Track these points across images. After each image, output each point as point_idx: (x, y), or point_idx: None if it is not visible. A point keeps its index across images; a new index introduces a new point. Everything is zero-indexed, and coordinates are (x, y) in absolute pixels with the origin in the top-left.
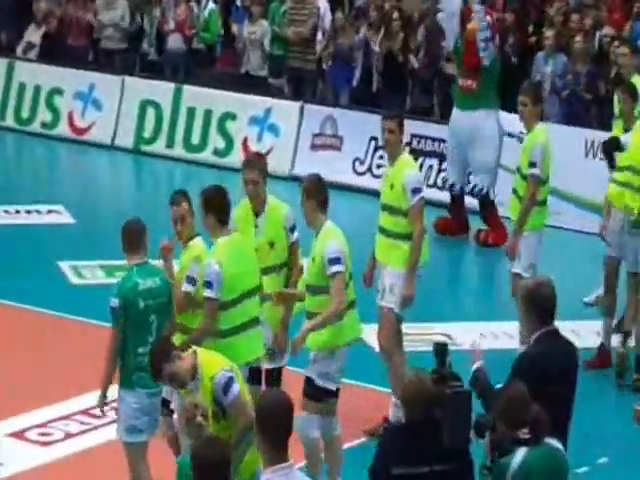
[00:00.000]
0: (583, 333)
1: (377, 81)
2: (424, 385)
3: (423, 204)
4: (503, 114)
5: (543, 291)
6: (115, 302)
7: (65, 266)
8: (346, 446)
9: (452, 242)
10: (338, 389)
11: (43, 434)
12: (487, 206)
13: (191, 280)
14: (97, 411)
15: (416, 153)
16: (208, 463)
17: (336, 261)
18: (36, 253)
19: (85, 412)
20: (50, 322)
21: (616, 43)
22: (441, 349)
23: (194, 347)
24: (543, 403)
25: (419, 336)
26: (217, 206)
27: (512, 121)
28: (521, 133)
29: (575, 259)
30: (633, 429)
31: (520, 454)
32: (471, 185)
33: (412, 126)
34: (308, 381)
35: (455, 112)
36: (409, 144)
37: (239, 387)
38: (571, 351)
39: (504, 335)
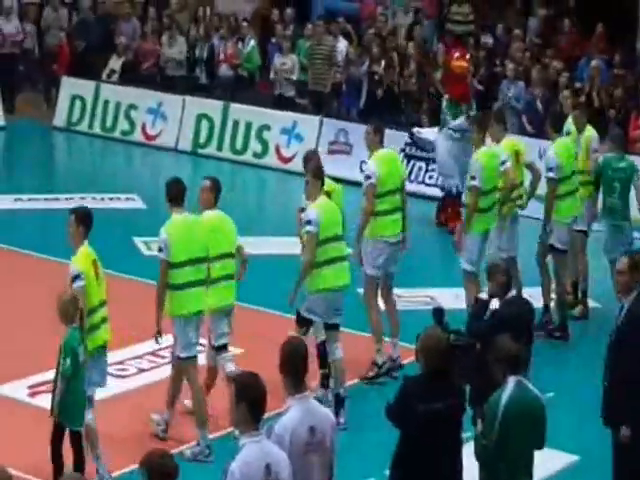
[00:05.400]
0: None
1: (380, 101)
2: (441, 340)
3: (370, 187)
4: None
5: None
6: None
7: (139, 241)
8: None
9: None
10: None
11: (121, 369)
12: (450, 201)
13: None
14: (163, 352)
15: (409, 157)
16: (252, 394)
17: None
18: (117, 230)
19: (153, 353)
20: (127, 284)
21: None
22: (438, 312)
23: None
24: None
25: (410, 298)
26: (173, 192)
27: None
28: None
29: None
30: (569, 370)
31: (508, 389)
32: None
33: (406, 136)
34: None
35: None
36: (403, 150)
37: (82, 285)
38: (529, 306)
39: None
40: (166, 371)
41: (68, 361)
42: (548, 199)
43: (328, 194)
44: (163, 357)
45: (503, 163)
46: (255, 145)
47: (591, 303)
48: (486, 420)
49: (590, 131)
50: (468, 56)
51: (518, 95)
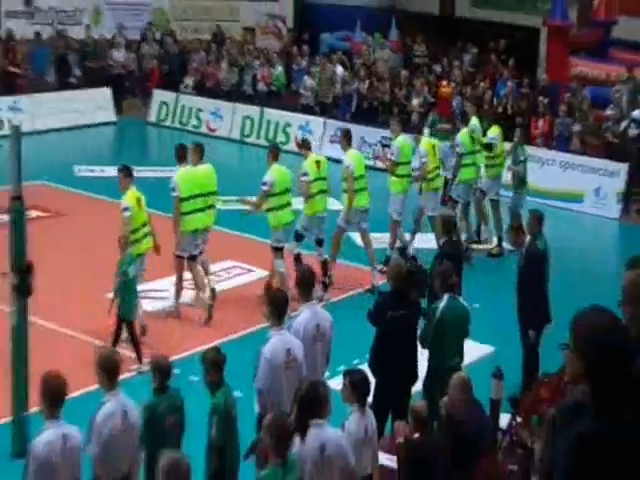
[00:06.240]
0: None
1: (365, 109)
2: (402, 267)
3: (349, 173)
4: None
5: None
6: None
7: None
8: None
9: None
10: (281, 247)
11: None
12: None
13: None
14: (220, 273)
15: (383, 145)
16: (278, 301)
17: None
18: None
19: (214, 274)
20: None
21: (468, 104)
22: (401, 249)
23: (132, 189)
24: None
25: (381, 240)
26: (180, 152)
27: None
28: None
29: None
30: (490, 290)
31: (443, 301)
32: None
33: (382, 133)
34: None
35: None
36: (380, 142)
37: (129, 215)
38: (460, 244)
39: (421, 240)
40: (221, 286)
41: (121, 278)
42: (454, 166)
43: (318, 163)
44: (219, 275)
45: (423, 157)
46: (281, 137)
47: (506, 246)
48: (427, 322)
49: (493, 132)
50: (452, 85)
51: (457, 106)
